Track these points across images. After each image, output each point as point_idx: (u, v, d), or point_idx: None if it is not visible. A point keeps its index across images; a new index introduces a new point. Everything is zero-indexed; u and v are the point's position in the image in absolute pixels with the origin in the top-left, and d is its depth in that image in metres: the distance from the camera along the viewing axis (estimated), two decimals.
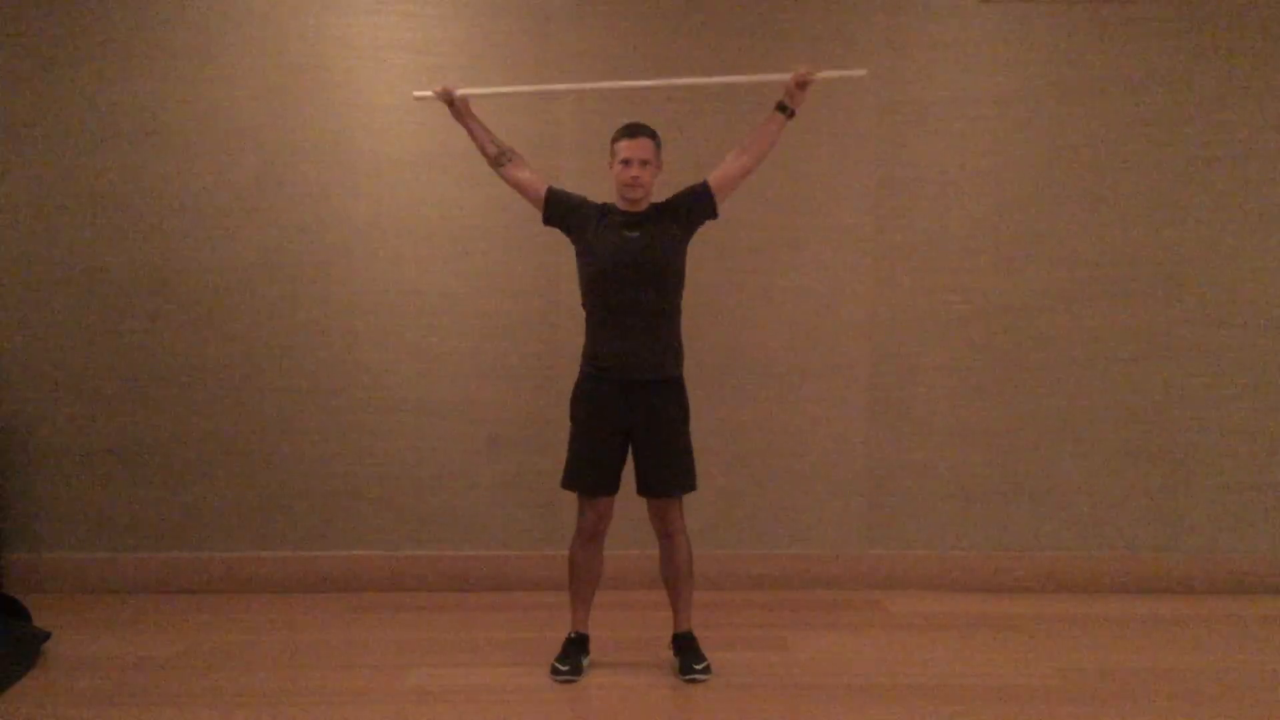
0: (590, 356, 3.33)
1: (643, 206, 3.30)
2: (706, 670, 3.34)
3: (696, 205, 3.33)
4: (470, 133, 3.38)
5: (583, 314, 3.36)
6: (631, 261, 3.23)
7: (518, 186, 3.38)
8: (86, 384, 4.05)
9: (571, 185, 3.88)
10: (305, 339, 4.06)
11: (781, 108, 3.28)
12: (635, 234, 3.25)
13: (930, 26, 4.03)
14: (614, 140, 3.28)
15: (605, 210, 3.34)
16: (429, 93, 3.34)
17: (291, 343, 4.06)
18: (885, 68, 4.04)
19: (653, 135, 3.28)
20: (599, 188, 3.44)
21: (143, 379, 4.06)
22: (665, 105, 3.96)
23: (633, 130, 3.25)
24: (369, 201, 4.03)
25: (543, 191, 3.36)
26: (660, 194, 3.35)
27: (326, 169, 4.02)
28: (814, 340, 4.12)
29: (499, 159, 3.35)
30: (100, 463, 4.08)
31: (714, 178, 3.33)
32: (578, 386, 3.37)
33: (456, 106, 3.35)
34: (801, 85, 3.24)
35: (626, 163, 3.23)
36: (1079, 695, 3.26)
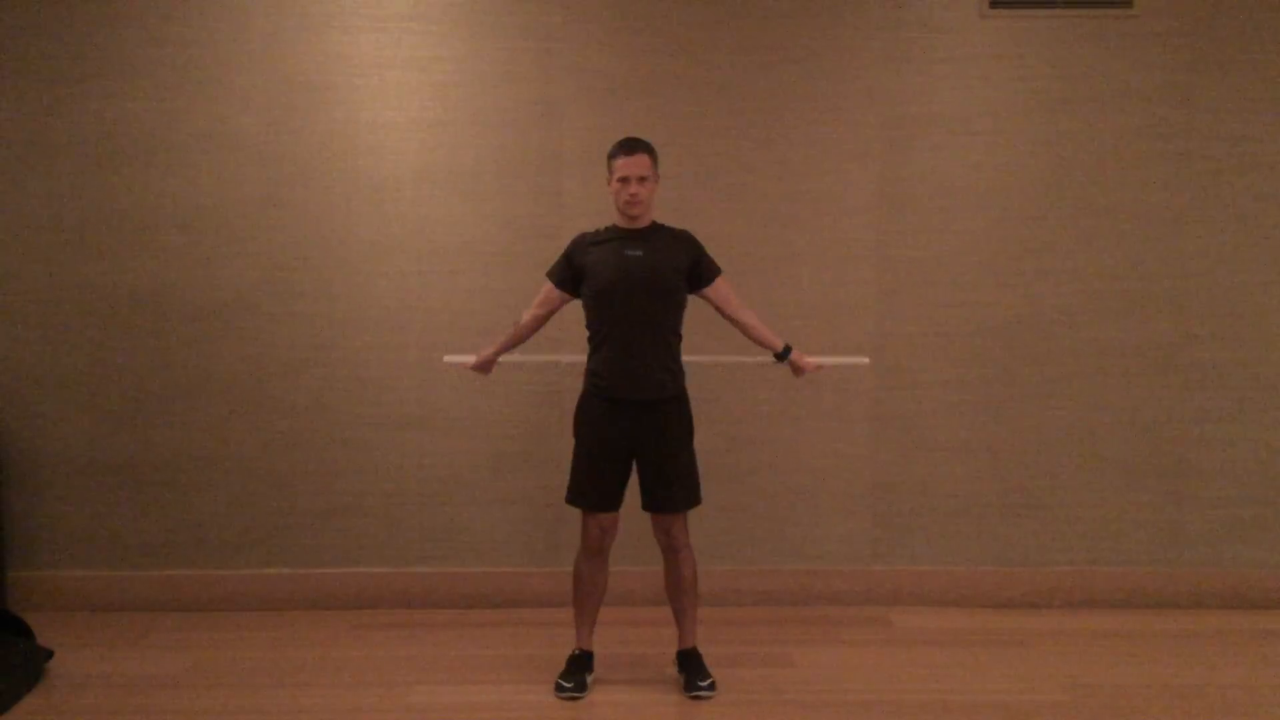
0: (593, 374, 3.33)
1: (644, 223, 3.30)
2: (711, 687, 3.32)
3: (699, 269, 3.35)
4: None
5: (585, 331, 3.37)
6: (633, 278, 3.23)
7: (550, 312, 3.44)
8: (90, 401, 4.05)
9: (574, 202, 3.92)
10: (309, 355, 4.07)
11: (777, 356, 3.50)
12: (638, 252, 3.25)
13: (930, 41, 4.04)
14: (611, 157, 3.28)
15: (602, 232, 3.34)
16: (468, 359, 3.52)
17: (295, 359, 4.07)
18: (885, 83, 4.04)
19: (650, 150, 3.28)
20: (601, 204, 3.45)
21: (147, 396, 4.06)
22: (668, 122, 3.97)
23: (629, 146, 3.25)
24: (371, 218, 4.04)
25: (555, 288, 3.39)
26: (664, 214, 3.37)
27: (329, 186, 4.03)
28: (817, 355, 4.10)
29: (527, 329, 3.46)
30: (104, 479, 4.07)
31: (720, 285, 3.39)
32: (581, 403, 3.37)
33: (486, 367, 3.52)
34: (798, 372, 3.54)
35: (624, 180, 3.23)
36: (1086, 711, 3.25)
